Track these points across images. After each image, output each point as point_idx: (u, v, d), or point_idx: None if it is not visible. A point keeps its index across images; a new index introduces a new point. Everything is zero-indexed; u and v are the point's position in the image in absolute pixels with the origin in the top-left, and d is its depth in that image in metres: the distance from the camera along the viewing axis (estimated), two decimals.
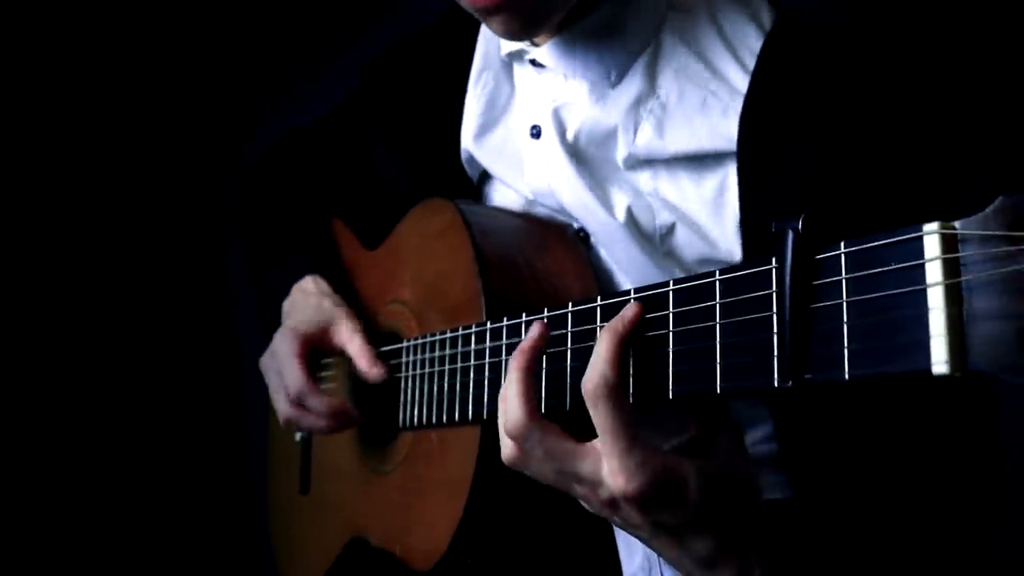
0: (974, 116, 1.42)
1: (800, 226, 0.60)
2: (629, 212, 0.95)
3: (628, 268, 0.97)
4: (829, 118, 0.88)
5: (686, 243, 0.95)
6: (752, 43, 0.93)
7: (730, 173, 0.92)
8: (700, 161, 0.93)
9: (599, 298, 0.76)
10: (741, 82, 0.92)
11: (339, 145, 1.28)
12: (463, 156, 1.09)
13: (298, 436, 1.24)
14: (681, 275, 0.94)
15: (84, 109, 2.09)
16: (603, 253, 1.00)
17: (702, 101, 0.93)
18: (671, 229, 0.95)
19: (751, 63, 0.92)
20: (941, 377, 0.52)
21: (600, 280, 0.99)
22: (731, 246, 0.92)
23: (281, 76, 2.10)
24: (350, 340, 1.05)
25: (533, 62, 1.01)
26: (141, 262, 2.17)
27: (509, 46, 1.03)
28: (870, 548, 0.83)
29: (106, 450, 2.10)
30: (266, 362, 1.10)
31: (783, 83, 0.90)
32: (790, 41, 0.93)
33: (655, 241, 0.96)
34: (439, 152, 1.10)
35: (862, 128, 0.88)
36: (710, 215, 0.93)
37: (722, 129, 0.91)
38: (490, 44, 1.08)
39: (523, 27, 0.92)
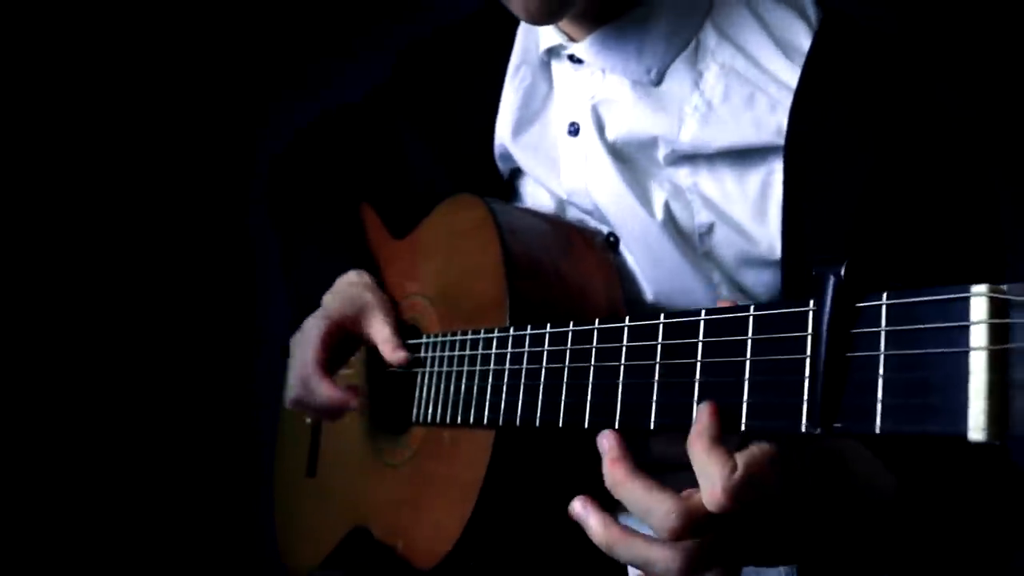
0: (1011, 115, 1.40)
1: (843, 272, 0.58)
2: (668, 210, 0.95)
3: (660, 271, 0.96)
4: (879, 119, 0.87)
5: (726, 242, 0.94)
6: (800, 39, 0.92)
7: (775, 168, 0.91)
8: (744, 156, 0.92)
9: (627, 319, 0.75)
10: (790, 77, 0.90)
11: (371, 130, 1.27)
12: (497, 151, 1.08)
13: (308, 419, 1.24)
14: (719, 275, 0.95)
15: (109, 101, 2.08)
16: (630, 259, 0.99)
17: (749, 96, 0.92)
18: (710, 228, 0.94)
19: (799, 59, 0.91)
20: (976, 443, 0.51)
21: (625, 287, 0.98)
22: (773, 242, 0.92)
23: (311, 64, 2.09)
24: (380, 329, 1.04)
25: (571, 57, 1.00)
26: (164, 247, 2.17)
27: (547, 41, 1.02)
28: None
29: (118, 432, 2.10)
30: (294, 342, 1.10)
31: (834, 79, 0.89)
32: (840, 39, 0.91)
33: (693, 240, 0.95)
34: (472, 144, 1.09)
35: (910, 132, 0.87)
36: (752, 211, 0.93)
37: (769, 123, 0.90)
38: (529, 39, 1.07)
39: (543, 9, 0.90)
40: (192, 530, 2.16)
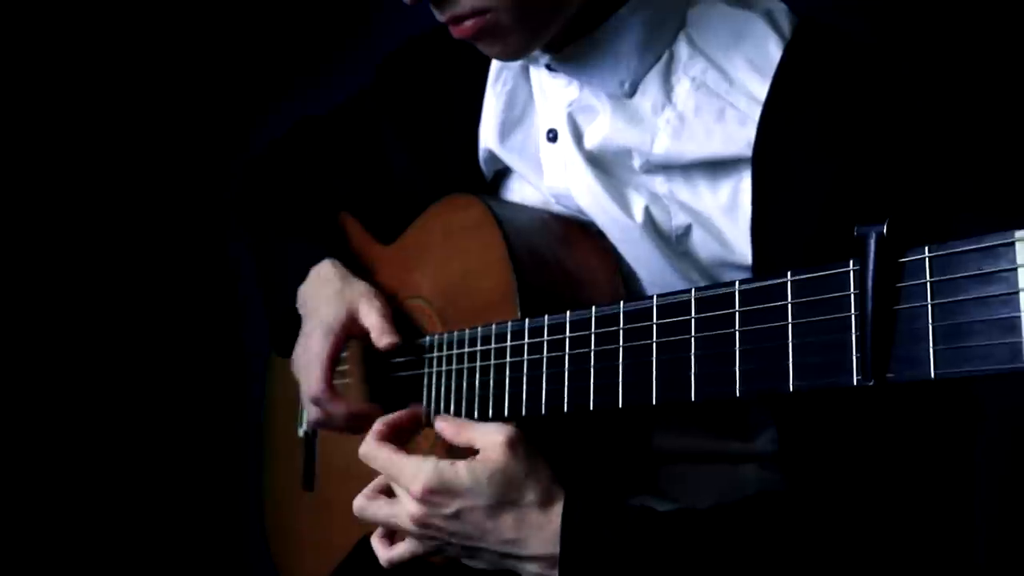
0: (994, 132, 1.42)
1: (885, 229, 0.62)
2: (647, 213, 0.96)
3: (644, 270, 0.98)
4: (844, 127, 0.88)
5: (702, 244, 0.96)
6: (772, 51, 0.93)
7: (745, 178, 0.92)
8: (716, 167, 0.94)
9: (655, 297, 0.77)
10: (760, 90, 0.91)
11: (350, 137, 1.26)
12: (481, 155, 1.09)
13: (300, 431, 1.22)
14: (697, 276, 0.97)
15: (93, 104, 2.04)
16: (619, 251, 1.01)
17: (719, 111, 0.92)
18: (687, 230, 0.96)
19: (770, 71, 0.92)
20: None
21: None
22: (745, 249, 0.93)
23: (290, 71, 2.08)
24: (370, 318, 1.05)
25: (548, 66, 1.01)
26: (147, 254, 2.13)
27: None
28: (849, 544, 0.85)
29: (108, 440, 2.06)
30: (298, 357, 1.08)
31: (802, 92, 0.90)
32: (811, 49, 0.92)
33: (672, 241, 0.97)
34: (455, 150, 1.10)
35: (879, 142, 0.88)
36: (725, 218, 0.94)
37: (739, 136, 0.91)
38: None
39: (507, 51, 0.93)
40: (180, 545, 2.11)
